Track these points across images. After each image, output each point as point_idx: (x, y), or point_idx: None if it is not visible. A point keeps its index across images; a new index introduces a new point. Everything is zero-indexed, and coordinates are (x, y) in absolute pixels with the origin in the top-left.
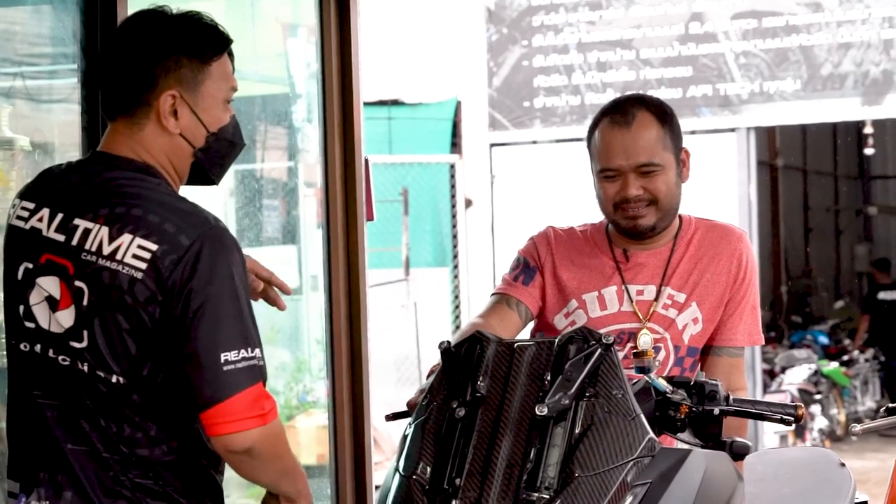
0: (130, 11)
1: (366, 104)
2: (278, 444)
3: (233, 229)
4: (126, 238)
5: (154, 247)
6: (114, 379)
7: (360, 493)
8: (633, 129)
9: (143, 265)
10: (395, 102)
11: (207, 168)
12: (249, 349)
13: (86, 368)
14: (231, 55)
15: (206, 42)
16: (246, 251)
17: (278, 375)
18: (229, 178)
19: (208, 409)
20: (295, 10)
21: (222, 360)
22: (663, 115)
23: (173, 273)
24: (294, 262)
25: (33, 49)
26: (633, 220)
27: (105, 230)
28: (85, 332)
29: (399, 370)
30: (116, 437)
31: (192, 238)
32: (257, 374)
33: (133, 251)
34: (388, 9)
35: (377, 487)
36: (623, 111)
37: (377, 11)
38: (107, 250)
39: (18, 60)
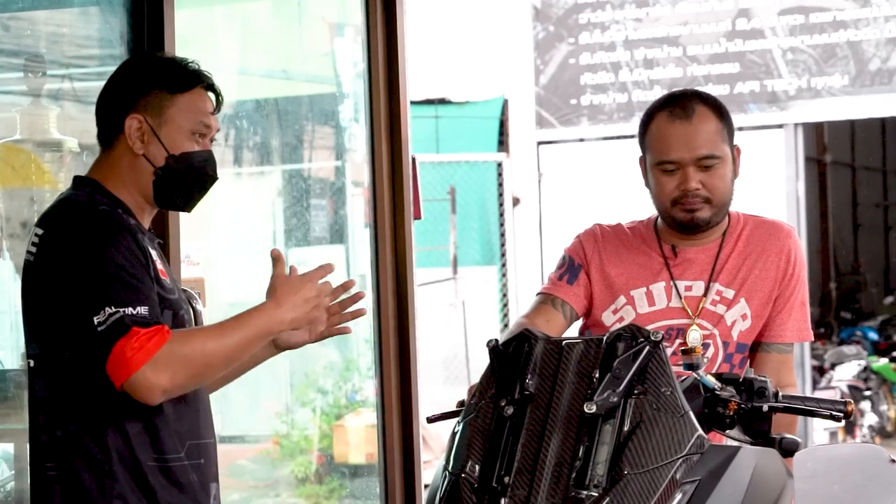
0: (177, 13)
1: (413, 103)
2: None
3: (280, 229)
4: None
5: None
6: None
7: (409, 492)
8: (693, 121)
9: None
10: (442, 101)
11: (167, 189)
12: None
13: None
14: (219, 97)
15: (176, 77)
16: (294, 251)
17: (327, 375)
18: (277, 177)
19: None
20: (341, 9)
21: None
22: (720, 109)
23: None
24: (342, 261)
25: (81, 51)
26: (691, 213)
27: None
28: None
29: (447, 369)
30: None
31: None
32: None
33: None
34: (435, 8)
35: (426, 486)
36: (682, 105)
37: (423, 10)
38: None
39: (66, 62)
